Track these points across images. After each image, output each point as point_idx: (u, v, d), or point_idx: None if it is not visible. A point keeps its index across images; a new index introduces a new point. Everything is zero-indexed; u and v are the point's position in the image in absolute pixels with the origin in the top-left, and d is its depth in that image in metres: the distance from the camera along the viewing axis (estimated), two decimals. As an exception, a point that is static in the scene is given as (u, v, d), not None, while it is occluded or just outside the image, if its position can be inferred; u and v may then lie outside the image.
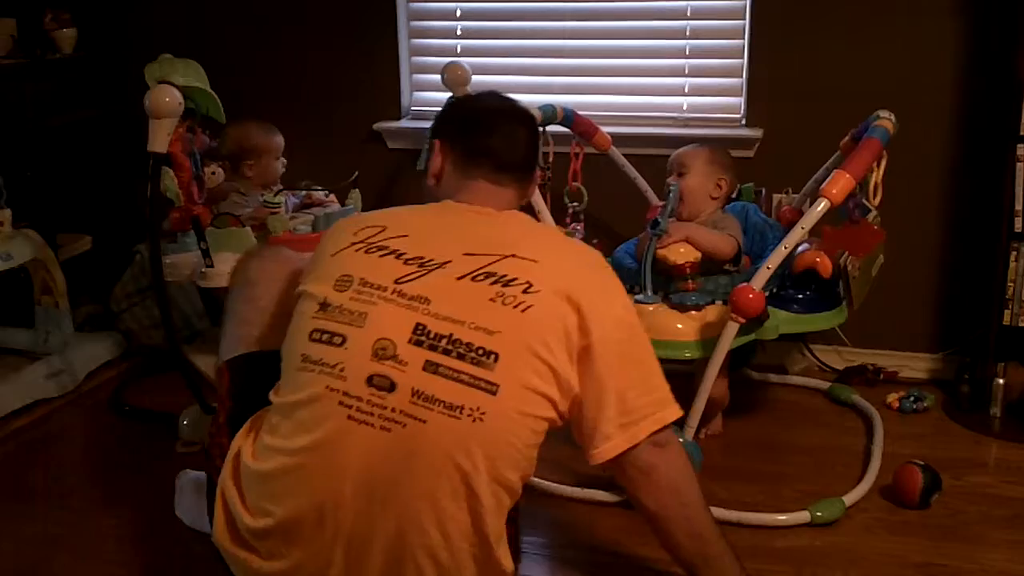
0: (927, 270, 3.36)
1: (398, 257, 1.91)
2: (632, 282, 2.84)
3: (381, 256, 1.92)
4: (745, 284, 2.48)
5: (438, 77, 3.58)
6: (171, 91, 2.63)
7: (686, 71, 3.56)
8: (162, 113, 2.63)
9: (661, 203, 3.07)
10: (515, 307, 1.83)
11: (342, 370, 1.82)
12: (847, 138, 2.98)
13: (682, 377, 2.94)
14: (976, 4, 3.15)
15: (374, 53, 3.79)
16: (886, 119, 2.71)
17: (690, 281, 2.65)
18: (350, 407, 1.80)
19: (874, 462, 2.78)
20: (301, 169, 3.42)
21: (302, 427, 1.83)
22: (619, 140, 3.39)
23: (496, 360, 1.80)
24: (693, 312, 2.62)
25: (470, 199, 2.04)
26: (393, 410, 1.79)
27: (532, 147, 2.14)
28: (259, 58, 3.86)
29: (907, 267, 3.24)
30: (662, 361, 2.61)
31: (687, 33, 3.52)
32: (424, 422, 1.78)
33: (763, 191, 3.24)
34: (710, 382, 2.54)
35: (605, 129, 3.35)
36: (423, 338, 1.81)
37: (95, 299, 3.92)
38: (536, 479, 2.71)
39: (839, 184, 2.46)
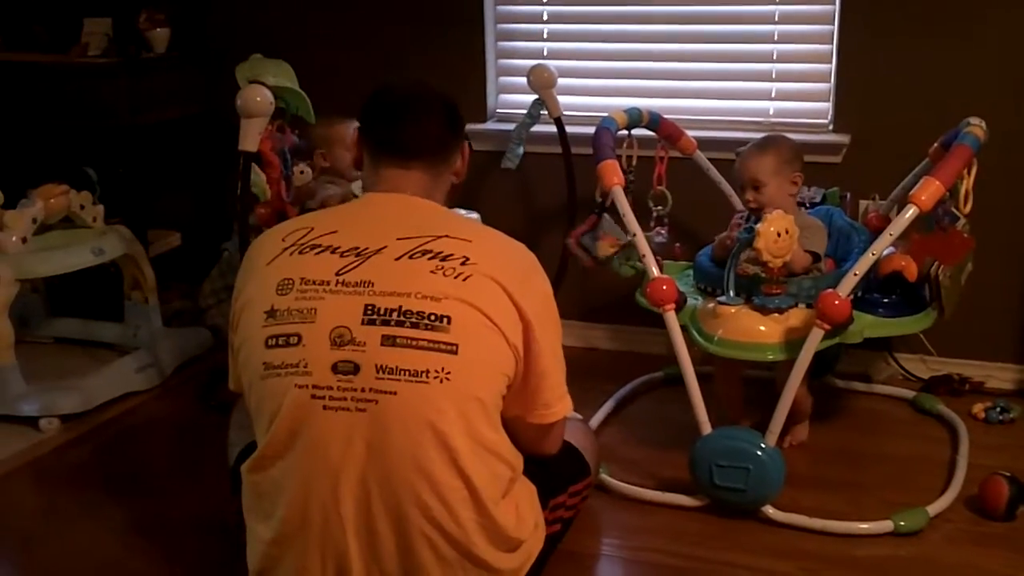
0: (1015, 279, 3.29)
1: (333, 252, 1.95)
2: (714, 284, 2.83)
3: (317, 254, 1.95)
4: (831, 290, 2.45)
5: (523, 79, 3.61)
6: (262, 91, 2.69)
7: (773, 75, 3.53)
8: (253, 112, 2.68)
9: (742, 210, 3.05)
10: (455, 277, 1.90)
11: (306, 366, 1.87)
12: (936, 145, 2.92)
13: (759, 384, 2.96)
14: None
15: (460, 55, 3.81)
16: (976, 126, 2.66)
17: (775, 284, 2.62)
18: (322, 398, 1.86)
19: (959, 473, 2.74)
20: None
21: (283, 431, 1.89)
22: (704, 144, 3.37)
23: (449, 322, 1.87)
24: (776, 314, 2.60)
25: (384, 187, 2.08)
26: (363, 390, 1.85)
27: (436, 132, 2.11)
28: (346, 59, 3.89)
29: (995, 276, 3.18)
30: (744, 363, 2.62)
31: (775, 37, 3.49)
32: (394, 394, 1.85)
33: (848, 196, 3.20)
34: (794, 388, 2.51)
35: (690, 133, 3.33)
36: (375, 316, 1.87)
37: (183, 295, 4.00)
38: (614, 480, 2.72)
39: (928, 191, 2.43)
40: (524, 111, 3.64)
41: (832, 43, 3.39)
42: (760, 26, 3.50)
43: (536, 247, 2.15)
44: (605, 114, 3.51)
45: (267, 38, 3.87)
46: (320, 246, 1.96)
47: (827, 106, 3.46)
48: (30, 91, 3.81)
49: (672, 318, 2.58)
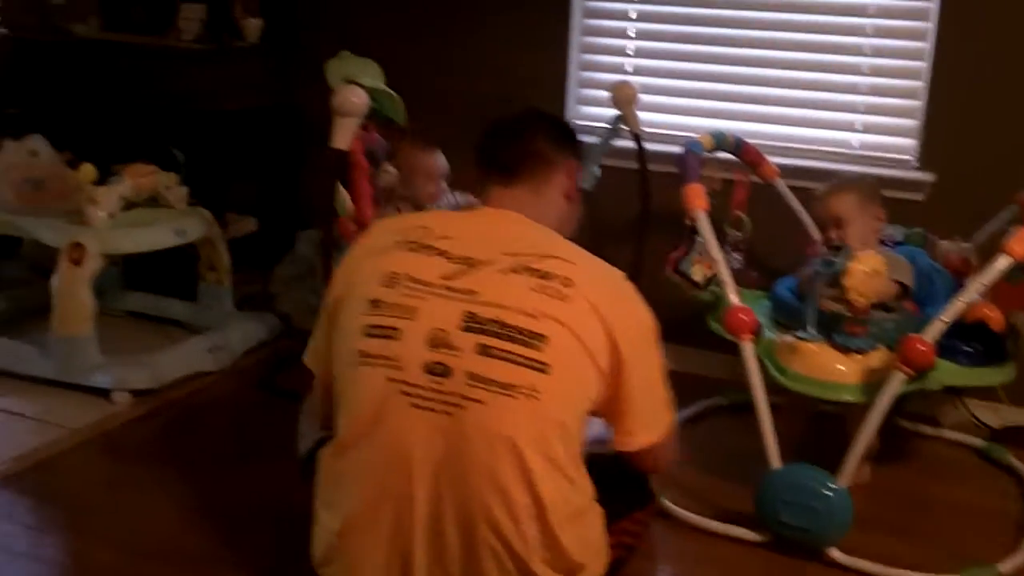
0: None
1: (444, 256, 1.98)
2: (792, 318, 2.81)
3: (428, 255, 1.99)
4: (916, 335, 2.42)
5: (604, 93, 3.60)
6: (359, 92, 2.71)
7: (860, 108, 3.50)
8: (349, 112, 2.70)
9: (820, 239, 3.02)
10: (555, 297, 1.91)
11: (399, 361, 1.90)
12: (1024, 192, 2.90)
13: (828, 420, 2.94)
14: None
15: (543, 64, 3.82)
16: (1075, 177, 2.63)
17: (858, 323, 2.60)
18: (411, 395, 1.89)
19: (1030, 530, 2.70)
20: (459, 172, 3.45)
21: (366, 421, 1.92)
22: (786, 172, 3.35)
23: (544, 341, 1.88)
24: (856, 355, 2.58)
25: (491, 203, 2.14)
26: (451, 394, 1.87)
27: (535, 148, 2.17)
28: (431, 61, 3.92)
29: None
30: (819, 401, 2.59)
31: (864, 70, 3.46)
32: (482, 403, 1.86)
33: (931, 237, 3.17)
34: (871, 432, 2.49)
35: (771, 160, 3.32)
36: (473, 324, 1.89)
37: (254, 279, 4.04)
38: (675, 507, 2.70)
39: (1023, 241, 2.39)
40: (602, 124, 3.64)
41: (923, 80, 3.36)
42: (850, 57, 3.47)
43: (605, 260, 2.12)
44: (684, 133, 3.53)
45: (354, 34, 3.90)
46: (433, 248, 2.00)
47: (913, 143, 3.42)
48: (124, 71, 3.89)
49: (749, 348, 2.57)
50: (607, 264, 2.08)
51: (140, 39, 3.94)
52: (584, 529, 2.02)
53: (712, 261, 2.87)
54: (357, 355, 1.94)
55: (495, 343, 1.88)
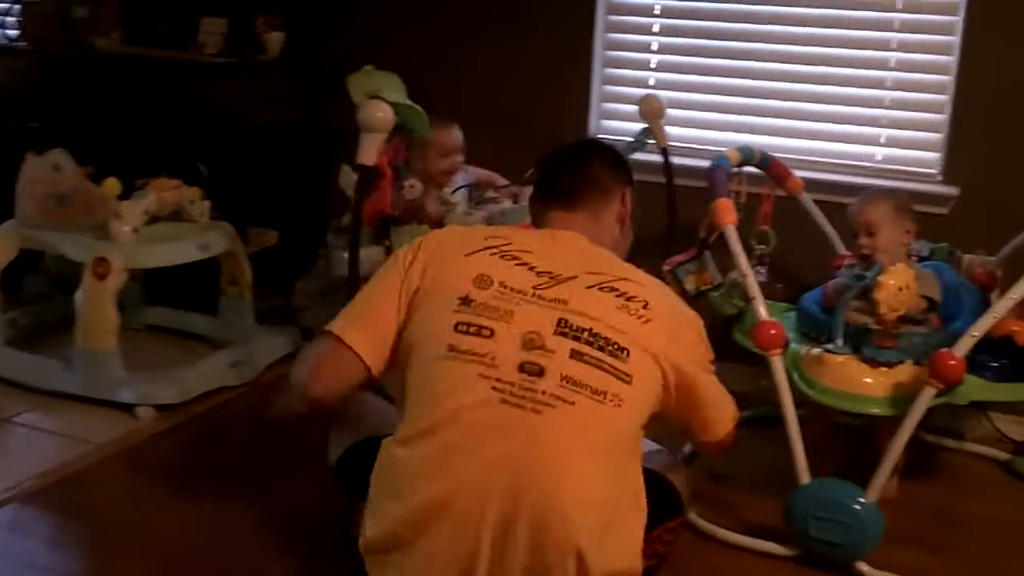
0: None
1: (530, 269, 2.10)
2: (819, 331, 2.81)
3: (516, 265, 2.10)
4: (947, 350, 2.42)
5: (626, 106, 3.63)
6: (384, 107, 2.71)
7: (884, 122, 3.50)
8: (374, 127, 2.71)
9: (847, 253, 3.02)
10: (637, 318, 2.06)
11: (493, 359, 1.96)
12: (1053, 207, 2.90)
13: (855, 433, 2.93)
14: None
15: (566, 77, 3.83)
16: (1105, 192, 2.62)
17: (887, 337, 2.59)
18: (503, 392, 1.93)
19: (1061, 546, 2.69)
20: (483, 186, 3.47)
21: (452, 412, 1.93)
22: (809, 186, 3.36)
23: (628, 355, 2.01)
24: (884, 368, 2.57)
25: (553, 225, 2.28)
26: (543, 393, 1.93)
27: (594, 175, 2.31)
28: (453, 74, 3.93)
29: None
30: (844, 414, 2.57)
31: (888, 84, 3.47)
32: (573, 404, 1.94)
33: (956, 252, 3.16)
34: (901, 446, 2.48)
35: (796, 174, 3.32)
36: (567, 330, 2.00)
37: (277, 293, 4.04)
38: (702, 520, 2.69)
39: (1055, 257, 2.39)
40: (625, 137, 3.65)
41: (948, 94, 3.36)
42: (875, 71, 3.48)
43: None
44: (708, 147, 3.55)
45: (377, 47, 3.90)
46: (519, 259, 2.11)
47: (937, 156, 3.43)
48: (147, 84, 3.90)
49: (778, 363, 2.56)
50: (667, 287, 2.30)
51: (162, 53, 3.95)
52: (634, 533, 2.04)
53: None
54: (445, 348, 1.99)
55: (586, 350, 1.98)
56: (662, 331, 2.08)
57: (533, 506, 1.87)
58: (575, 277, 2.09)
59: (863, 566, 2.51)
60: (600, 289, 2.08)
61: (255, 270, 3.74)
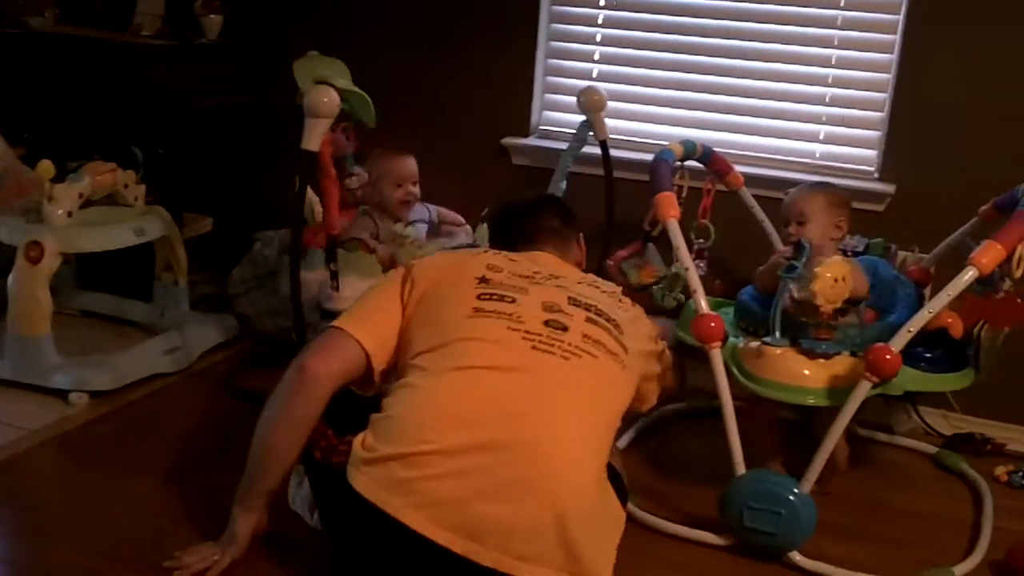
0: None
1: (528, 268, 2.35)
2: (757, 324, 2.84)
3: (517, 263, 2.36)
4: (883, 344, 2.45)
5: (569, 98, 3.63)
6: (330, 92, 2.69)
7: (823, 119, 3.55)
8: (320, 113, 2.68)
9: (783, 249, 3.05)
10: (621, 308, 2.38)
11: (519, 317, 2.17)
12: (988, 206, 2.96)
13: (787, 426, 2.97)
14: None
15: (510, 69, 3.83)
16: (1039, 192, 2.67)
17: (824, 329, 2.63)
18: (532, 340, 2.14)
19: (984, 535, 2.73)
20: (426, 174, 3.45)
21: (483, 353, 2.11)
22: (749, 181, 3.39)
23: (622, 333, 2.28)
24: (821, 360, 2.61)
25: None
26: (570, 344, 2.16)
27: (553, 224, 2.60)
28: (397, 61, 3.91)
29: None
30: (784, 406, 2.61)
31: (829, 81, 3.51)
32: (596, 357, 2.18)
33: (892, 247, 3.21)
34: (836, 437, 2.52)
35: (736, 169, 3.35)
36: (578, 303, 2.26)
37: (212, 280, 4.00)
38: (639, 511, 2.71)
39: (990, 255, 2.43)
40: (567, 129, 3.67)
41: (887, 92, 3.41)
42: (815, 68, 3.52)
43: None
44: (650, 140, 3.57)
45: (317, 34, 3.87)
46: (516, 261, 2.37)
47: (875, 154, 3.48)
48: (82, 65, 3.82)
49: (718, 356, 2.58)
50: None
51: (98, 33, 3.88)
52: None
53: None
54: (471, 310, 2.18)
55: (597, 319, 2.25)
56: (639, 321, 2.40)
57: (538, 435, 2.02)
58: (566, 277, 2.37)
59: (796, 556, 2.54)
60: (588, 285, 2.37)
61: (190, 256, 3.70)
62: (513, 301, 2.20)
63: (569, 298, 2.25)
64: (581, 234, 2.66)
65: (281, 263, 3.45)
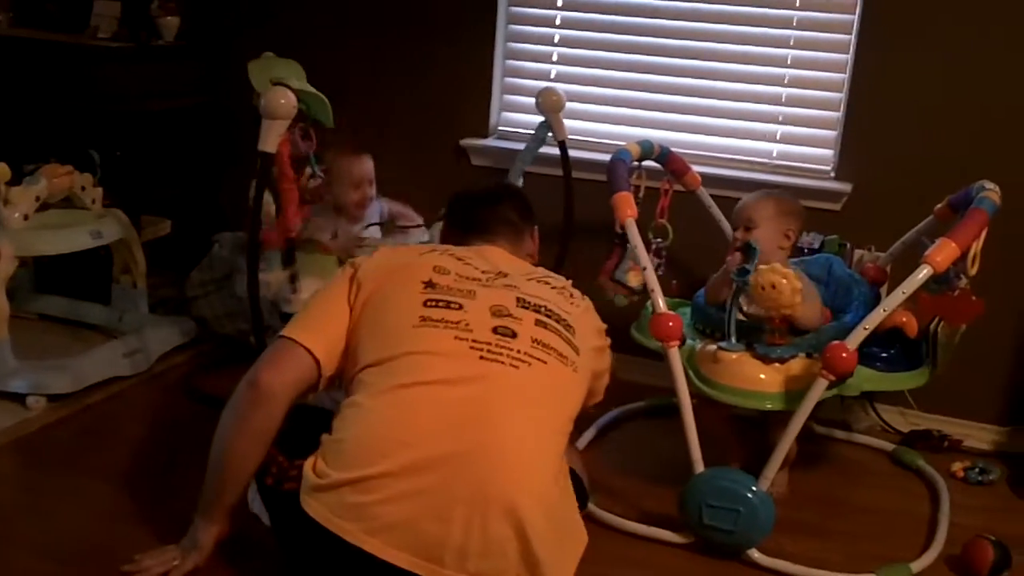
0: (1004, 342, 3.34)
1: (475, 267, 2.31)
2: (713, 326, 2.85)
3: (464, 264, 2.31)
4: (840, 343, 2.47)
5: (527, 99, 3.64)
6: (287, 94, 2.68)
7: (780, 118, 3.57)
8: (276, 115, 2.67)
9: (731, 258, 3.06)
10: (572, 304, 2.36)
11: (467, 325, 2.14)
12: (943, 204, 2.99)
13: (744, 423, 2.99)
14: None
15: (468, 70, 3.83)
16: (992, 191, 2.69)
17: (778, 334, 2.65)
18: (480, 350, 2.11)
19: (941, 531, 2.77)
20: (384, 175, 3.44)
21: (430, 368, 2.08)
22: (707, 181, 3.40)
23: (574, 333, 2.26)
24: (777, 364, 2.63)
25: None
26: (519, 351, 2.13)
27: (508, 215, 2.57)
28: (354, 63, 3.90)
29: (981, 337, 3.13)
30: (740, 410, 2.64)
31: (785, 81, 3.53)
32: (545, 363, 2.15)
33: (848, 245, 3.24)
34: (792, 437, 2.54)
35: (694, 169, 3.36)
36: (527, 305, 2.23)
37: (170, 283, 3.97)
38: (598, 510, 2.73)
39: (944, 252, 2.46)
40: (526, 130, 3.68)
41: (843, 91, 3.44)
42: (771, 68, 3.54)
43: None
44: (608, 141, 3.58)
45: (273, 35, 3.87)
46: (464, 259, 2.33)
47: (831, 153, 3.50)
48: (37, 68, 3.78)
49: (675, 355, 2.59)
50: None
51: (53, 36, 3.84)
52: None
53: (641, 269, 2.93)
54: (417, 320, 2.15)
55: (547, 321, 2.22)
56: (588, 316, 2.39)
57: (495, 446, 2.01)
58: (514, 274, 2.34)
59: (755, 553, 2.57)
60: (537, 281, 2.34)
61: (148, 259, 3.68)
62: (460, 308, 2.17)
63: (518, 299, 2.22)
64: (536, 227, 2.64)
65: (236, 264, 3.43)
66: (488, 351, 2.10)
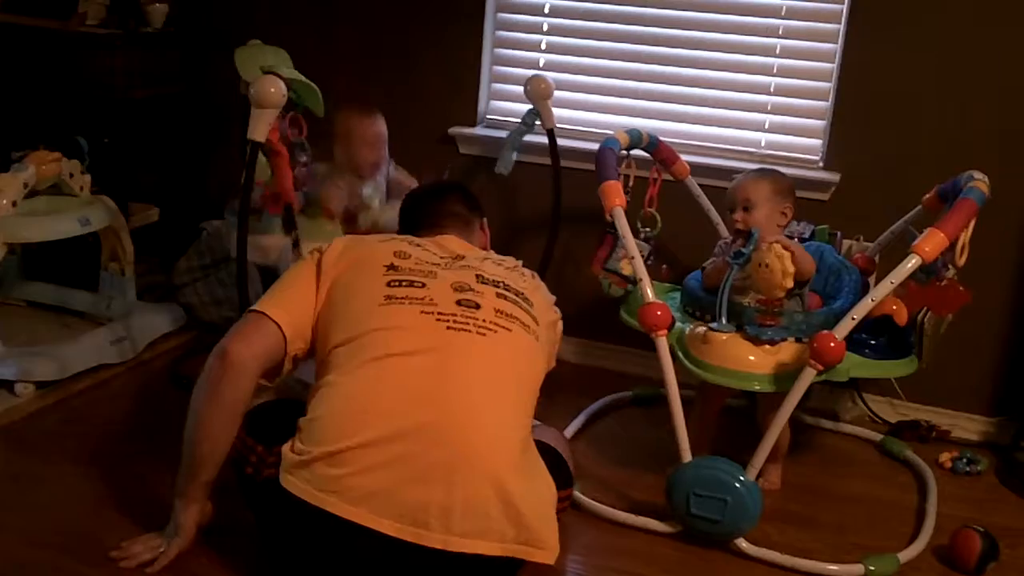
0: (992, 332, 3.35)
1: (434, 253, 2.40)
2: (703, 309, 2.86)
3: (423, 250, 2.40)
4: (828, 332, 2.48)
5: (516, 87, 3.63)
6: (277, 82, 2.67)
7: (768, 108, 3.57)
8: (266, 103, 2.66)
9: (728, 238, 3.07)
10: (525, 281, 2.44)
11: (431, 300, 2.22)
12: (931, 194, 2.99)
13: (733, 413, 3.00)
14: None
15: (456, 59, 3.82)
16: (981, 181, 2.69)
17: (769, 315, 2.65)
18: (447, 320, 2.19)
19: (928, 521, 2.78)
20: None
21: (399, 340, 2.14)
22: (695, 170, 3.40)
23: (532, 306, 2.37)
24: (767, 346, 2.63)
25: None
26: (484, 320, 2.22)
27: (455, 208, 2.65)
28: (343, 51, 3.89)
29: (972, 327, 3.20)
30: (726, 392, 2.75)
31: (774, 70, 3.53)
32: (510, 331, 2.25)
33: (838, 234, 3.24)
34: (781, 425, 2.54)
35: (683, 158, 3.36)
36: (486, 281, 2.32)
37: (157, 270, 3.96)
38: (585, 498, 2.73)
39: (932, 242, 2.46)
40: (514, 119, 3.67)
41: (831, 81, 3.43)
42: (760, 58, 3.53)
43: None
44: (596, 129, 3.58)
45: (262, 23, 3.86)
46: (422, 247, 2.41)
47: (819, 143, 3.50)
48: (25, 54, 3.77)
49: (664, 344, 2.59)
50: None
51: (42, 22, 3.82)
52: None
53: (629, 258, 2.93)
54: (382, 299, 2.21)
55: (507, 294, 2.32)
56: (541, 291, 2.49)
57: (470, 409, 2.10)
58: (470, 256, 2.43)
59: (742, 543, 2.57)
60: (493, 262, 2.43)
61: (136, 246, 3.66)
62: (423, 286, 2.24)
63: (477, 276, 2.32)
64: (485, 219, 2.74)
65: (230, 244, 3.41)
66: (455, 321, 2.18)
